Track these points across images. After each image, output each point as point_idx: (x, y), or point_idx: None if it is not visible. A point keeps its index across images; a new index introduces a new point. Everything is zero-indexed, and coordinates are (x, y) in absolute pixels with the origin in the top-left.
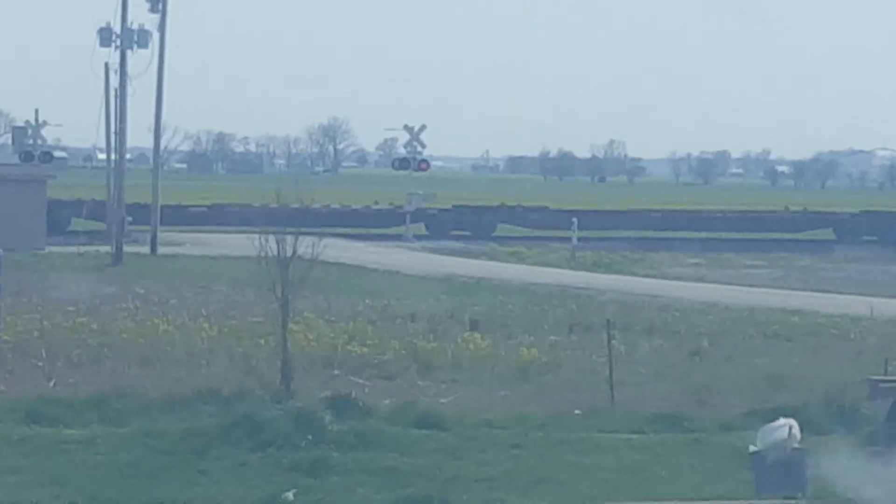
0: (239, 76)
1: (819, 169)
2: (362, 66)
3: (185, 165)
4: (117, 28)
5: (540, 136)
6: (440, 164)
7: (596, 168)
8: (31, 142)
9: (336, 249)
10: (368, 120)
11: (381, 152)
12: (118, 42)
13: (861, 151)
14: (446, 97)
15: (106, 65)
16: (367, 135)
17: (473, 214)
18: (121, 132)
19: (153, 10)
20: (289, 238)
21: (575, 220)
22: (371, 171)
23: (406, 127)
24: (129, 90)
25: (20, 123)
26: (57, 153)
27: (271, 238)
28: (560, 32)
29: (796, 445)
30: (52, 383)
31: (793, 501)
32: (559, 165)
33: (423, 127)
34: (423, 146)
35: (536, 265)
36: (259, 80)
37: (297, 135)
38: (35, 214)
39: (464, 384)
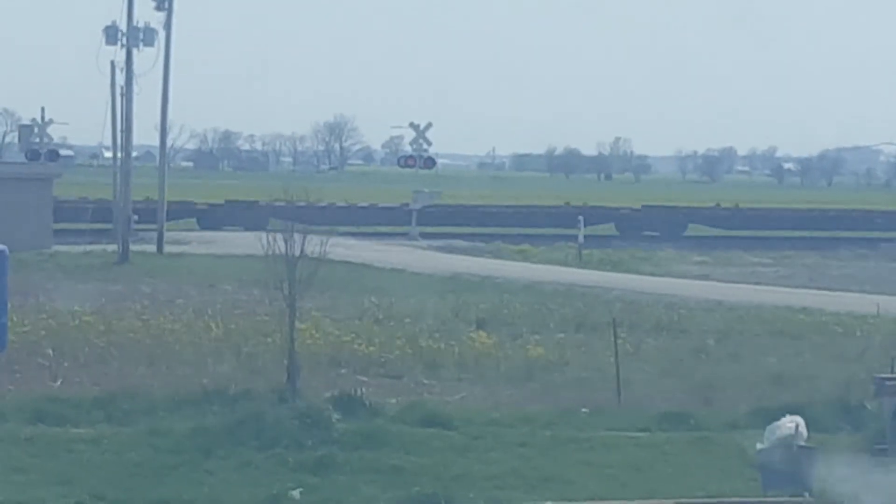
0: (245, 74)
1: (825, 166)
2: (368, 64)
3: (191, 164)
4: (123, 26)
5: (546, 133)
6: (446, 161)
7: (602, 165)
8: (37, 140)
9: (342, 248)
10: (374, 118)
11: (387, 150)
12: (124, 40)
13: (867, 148)
14: (452, 95)
15: (112, 63)
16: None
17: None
18: (127, 130)
19: (159, 8)
20: (296, 236)
21: (581, 217)
22: (377, 169)
23: (412, 125)
24: (135, 88)
25: (26, 122)
26: (63, 151)
27: (278, 236)
28: (566, 30)
29: (802, 443)
30: (58, 382)
31: (799, 499)
32: (565, 163)
33: (429, 125)
34: (429, 144)
35: (542, 263)
36: (265, 78)
37: (303, 133)
38: (41, 213)
39: (470, 383)
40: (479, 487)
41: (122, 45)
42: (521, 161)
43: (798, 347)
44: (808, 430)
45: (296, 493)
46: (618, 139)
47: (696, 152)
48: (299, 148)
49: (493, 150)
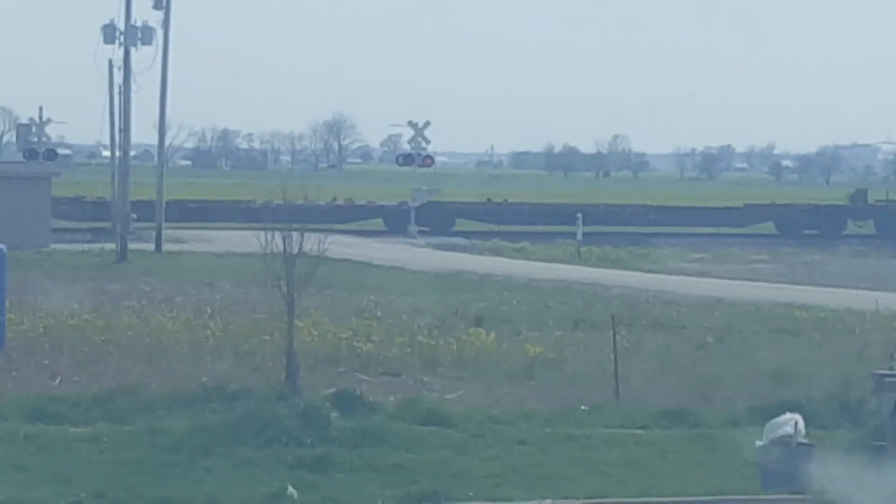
0: (243, 73)
1: (823, 163)
2: (366, 62)
3: (189, 162)
4: (121, 25)
5: (544, 131)
6: (444, 159)
7: (600, 163)
8: (35, 139)
9: (340, 245)
10: (373, 116)
11: (386, 148)
12: (122, 39)
13: (865, 145)
14: (450, 93)
15: (110, 62)
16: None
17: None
18: (125, 129)
19: (157, 6)
20: (295, 234)
21: (580, 215)
22: (375, 168)
23: (410, 123)
24: (134, 87)
25: (24, 121)
26: (61, 150)
27: (277, 234)
28: (564, 28)
29: (802, 440)
30: (57, 381)
31: (798, 496)
32: (563, 161)
33: (428, 123)
34: (428, 142)
35: (541, 261)
36: (263, 77)
37: (302, 131)
38: (40, 212)
39: (469, 380)
40: (477, 485)
41: (121, 44)
42: (519, 159)
43: (797, 344)
44: (807, 427)
45: (293, 492)
46: (616, 137)
47: (694, 150)
48: (298, 146)
49: (492, 148)
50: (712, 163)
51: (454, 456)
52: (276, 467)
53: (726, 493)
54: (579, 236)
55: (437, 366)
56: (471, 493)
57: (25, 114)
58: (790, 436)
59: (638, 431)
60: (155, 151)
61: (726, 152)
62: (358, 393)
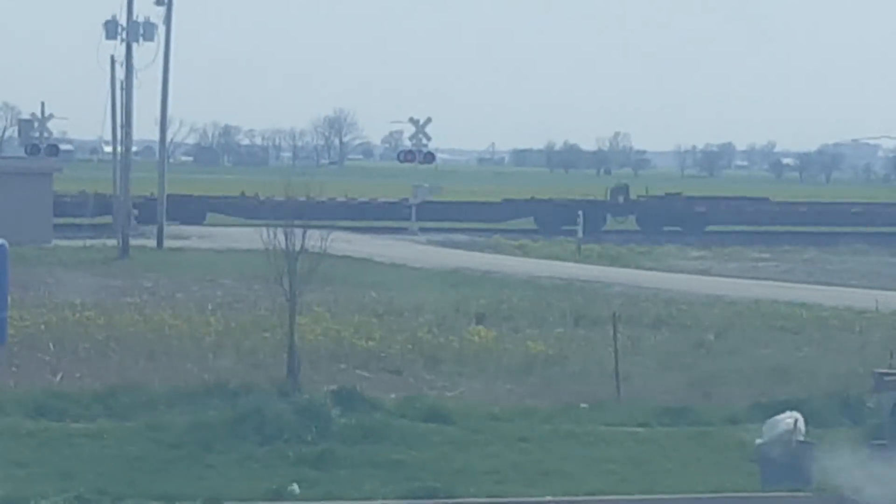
0: (245, 69)
1: (824, 161)
2: (368, 58)
3: (191, 158)
4: (123, 21)
5: (545, 128)
6: (445, 156)
7: (601, 161)
8: (37, 135)
9: (342, 242)
10: (374, 113)
11: (387, 145)
12: (124, 35)
13: (865, 143)
14: (452, 90)
15: (112, 57)
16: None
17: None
18: (127, 125)
19: (159, 2)
20: (297, 231)
21: (581, 212)
22: (376, 164)
23: (411, 120)
24: (135, 83)
25: (26, 116)
26: (63, 146)
27: (279, 231)
28: (565, 25)
29: (801, 438)
30: (58, 377)
31: (798, 494)
32: (564, 158)
33: (429, 120)
34: (429, 139)
35: (542, 258)
36: (265, 73)
37: (303, 127)
38: (41, 208)
39: (470, 377)
40: (478, 482)
41: (122, 40)
42: (520, 156)
43: (797, 342)
44: (808, 425)
45: (294, 487)
46: (617, 134)
47: (695, 147)
48: (299, 143)
49: (493, 145)
50: (713, 160)
51: (455, 453)
52: (277, 464)
53: (726, 491)
54: (580, 233)
55: (438, 363)
56: (471, 490)
57: (27, 109)
58: (790, 433)
59: (638, 429)
60: (157, 147)
61: (727, 150)
62: (359, 390)
